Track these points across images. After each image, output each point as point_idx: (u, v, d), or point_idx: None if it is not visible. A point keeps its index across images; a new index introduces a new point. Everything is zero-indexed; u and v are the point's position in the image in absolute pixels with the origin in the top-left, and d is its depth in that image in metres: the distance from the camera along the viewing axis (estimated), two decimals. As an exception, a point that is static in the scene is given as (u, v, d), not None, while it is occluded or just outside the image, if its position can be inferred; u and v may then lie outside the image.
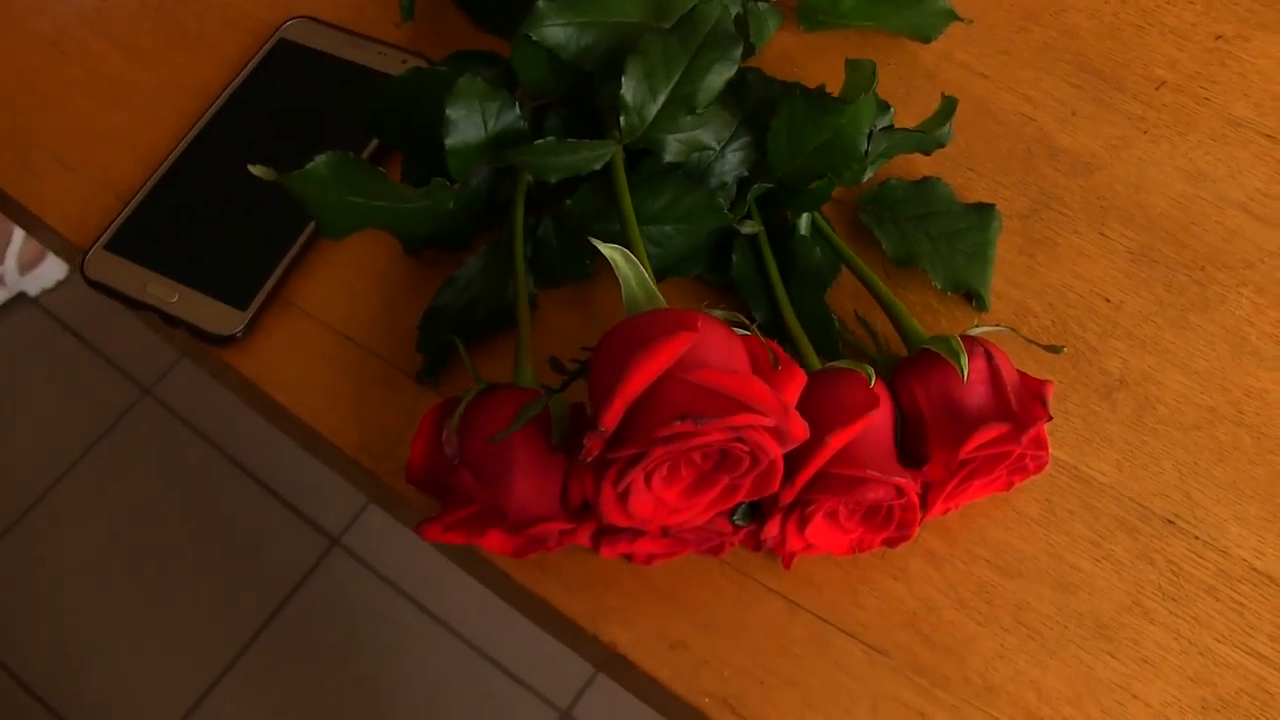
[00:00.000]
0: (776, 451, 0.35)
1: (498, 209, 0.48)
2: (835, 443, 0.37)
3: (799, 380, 0.36)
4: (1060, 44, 0.57)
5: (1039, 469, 0.42)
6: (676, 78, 0.42)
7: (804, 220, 0.46)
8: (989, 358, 0.41)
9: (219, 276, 0.47)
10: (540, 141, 0.42)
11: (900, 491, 0.38)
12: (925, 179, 0.50)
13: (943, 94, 0.46)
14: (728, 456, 0.36)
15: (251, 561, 1.32)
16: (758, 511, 0.40)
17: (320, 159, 0.40)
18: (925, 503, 0.40)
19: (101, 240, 0.49)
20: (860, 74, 0.42)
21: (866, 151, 0.43)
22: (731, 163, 0.46)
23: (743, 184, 0.46)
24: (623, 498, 0.35)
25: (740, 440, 0.34)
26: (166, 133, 0.53)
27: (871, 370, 0.39)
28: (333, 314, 0.48)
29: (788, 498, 0.38)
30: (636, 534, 0.38)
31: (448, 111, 0.42)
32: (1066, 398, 0.46)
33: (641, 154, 0.45)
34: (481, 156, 0.44)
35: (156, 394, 1.43)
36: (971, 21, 0.57)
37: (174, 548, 1.33)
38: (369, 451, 0.45)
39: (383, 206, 0.43)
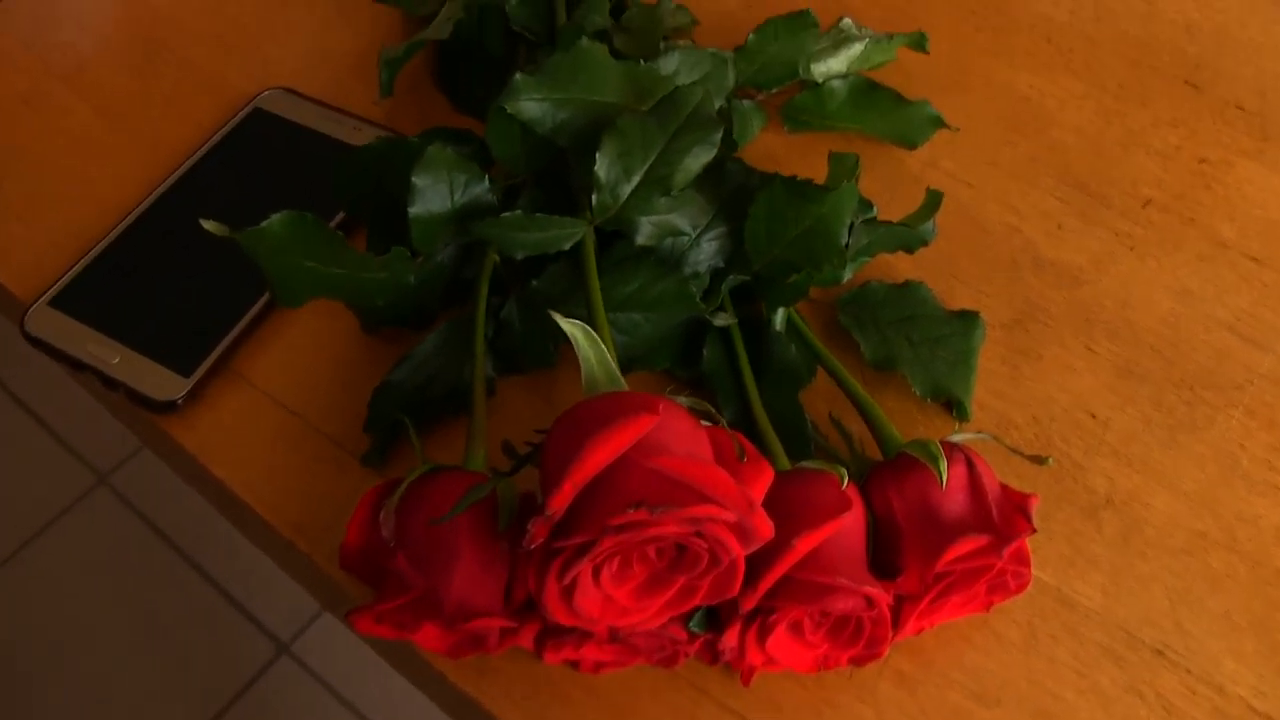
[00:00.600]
0: (738, 551, 0.32)
1: (462, 288, 0.46)
2: (802, 546, 0.34)
3: (766, 476, 0.34)
4: (1046, 158, 0.57)
5: (1020, 589, 0.39)
6: (653, 158, 0.41)
7: (780, 315, 0.44)
8: (970, 465, 0.38)
9: (165, 341, 0.45)
10: (508, 215, 0.40)
11: (871, 603, 0.35)
12: (907, 282, 0.48)
13: (928, 189, 0.45)
14: (685, 553, 0.33)
15: (195, 666, 1.25)
16: (715, 619, 0.37)
17: (277, 217, 0.38)
18: (898, 618, 0.37)
19: (46, 296, 0.46)
20: (843, 166, 0.41)
21: (847, 244, 0.41)
22: (706, 252, 0.44)
23: (717, 275, 0.44)
24: (568, 592, 0.32)
25: (699, 535, 0.31)
26: (131, 193, 0.52)
27: (844, 472, 0.37)
28: (282, 388, 0.46)
29: (749, 604, 0.35)
30: (584, 637, 0.35)
31: (414, 179, 0.41)
32: (1050, 516, 0.43)
33: (613, 236, 0.43)
34: (446, 229, 0.42)
35: (113, 482, 1.39)
36: (958, 129, 0.56)
37: (115, 651, 1.26)
38: (306, 534, 0.41)
39: (340, 274, 0.41)
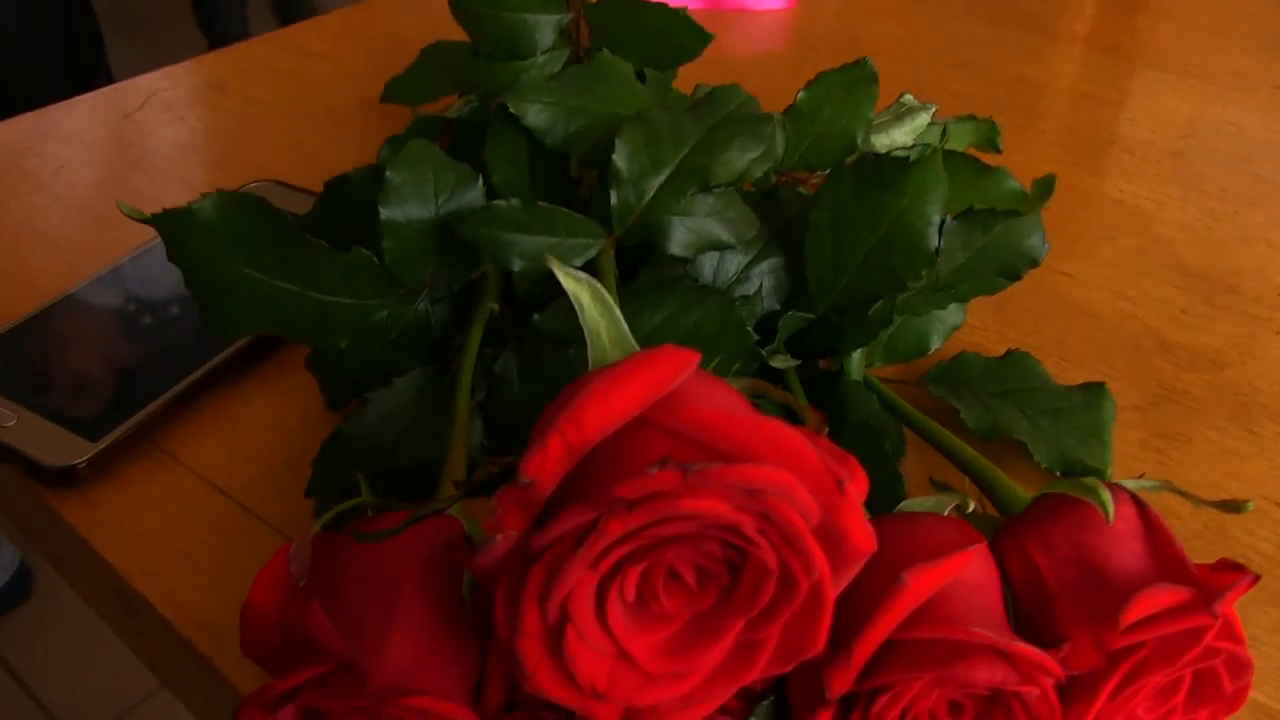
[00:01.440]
0: (822, 565, 0.21)
1: (449, 355, 0.36)
2: (917, 586, 0.23)
3: (859, 477, 0.23)
4: (1152, 250, 0.48)
5: (1237, 702, 0.26)
6: (687, 149, 0.33)
7: (856, 360, 0.34)
8: (1139, 505, 0.27)
9: (75, 406, 0.36)
10: (502, 205, 0.32)
11: (1024, 670, 0.23)
12: (1010, 352, 0.38)
13: (1033, 181, 0.35)
14: (740, 572, 0.21)
15: None
16: (784, 715, 0.24)
17: (211, 197, 0.30)
18: (1068, 709, 0.24)
19: (-57, 363, 0.38)
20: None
21: (938, 249, 0.32)
22: (757, 289, 0.35)
23: (771, 319, 0.35)
24: (556, 637, 0.21)
25: (761, 526, 0.20)
26: (81, 279, 0.44)
27: (967, 500, 0.26)
28: (212, 465, 0.36)
29: (842, 683, 0.23)
30: (584, 731, 0.23)
31: (388, 174, 0.33)
32: (1252, 620, 0.31)
33: (638, 262, 0.35)
34: (429, 245, 0.34)
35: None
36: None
37: None
38: (211, 632, 0.30)
39: (289, 294, 0.32)
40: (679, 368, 0.21)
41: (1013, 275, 0.34)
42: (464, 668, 0.24)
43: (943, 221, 0.32)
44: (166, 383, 0.37)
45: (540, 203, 0.32)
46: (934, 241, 0.32)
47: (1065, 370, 0.41)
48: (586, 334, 0.25)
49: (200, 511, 0.34)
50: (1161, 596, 0.24)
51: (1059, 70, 0.66)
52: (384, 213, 0.33)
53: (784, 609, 0.21)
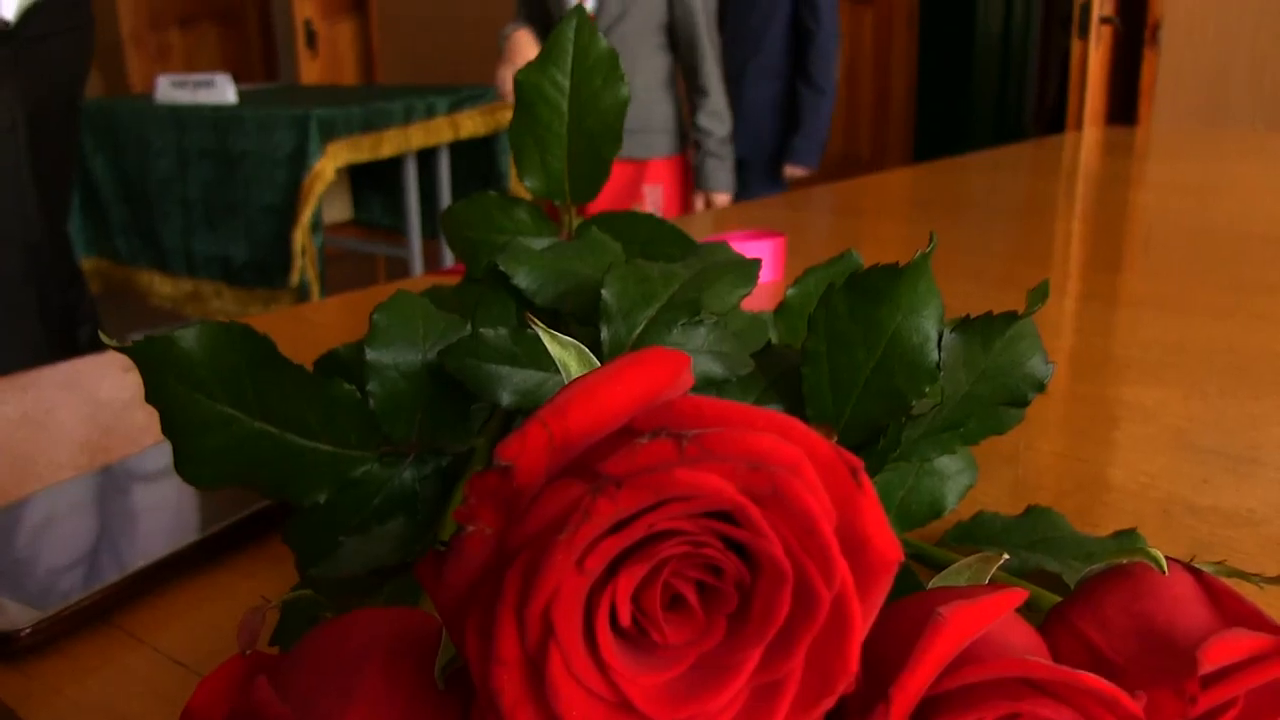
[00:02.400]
0: (843, 568, 0.18)
1: (436, 517, 0.34)
2: (957, 623, 0.20)
3: (870, 495, 0.21)
4: (1164, 436, 0.47)
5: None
6: (677, 285, 0.33)
7: (864, 494, 0.32)
8: (1196, 572, 0.24)
9: (27, 577, 0.33)
10: (490, 333, 0.31)
11: (1098, 708, 0.19)
12: (1031, 508, 0.36)
13: (1029, 291, 0.34)
14: (749, 588, 0.19)
15: None
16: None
17: (194, 326, 0.29)
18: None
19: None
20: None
21: (939, 363, 0.31)
22: (757, 431, 0.34)
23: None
24: (538, 666, 0.18)
25: (772, 505, 0.18)
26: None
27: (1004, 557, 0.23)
28: (171, 641, 0.32)
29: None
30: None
31: (375, 317, 0.32)
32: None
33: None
34: (414, 391, 0.33)
35: None
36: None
37: None
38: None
39: (269, 436, 0.31)
40: (670, 366, 0.20)
41: (1021, 402, 0.33)
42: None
43: (941, 335, 0.31)
44: (130, 561, 0.35)
45: (528, 330, 0.31)
46: (934, 356, 0.31)
47: (1091, 533, 0.38)
48: (574, 397, 0.24)
49: (152, 683, 0.30)
50: (1241, 642, 0.21)
51: (1042, 315, 0.68)
52: (370, 354, 0.32)
53: (804, 631, 0.18)
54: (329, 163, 2.60)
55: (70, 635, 0.32)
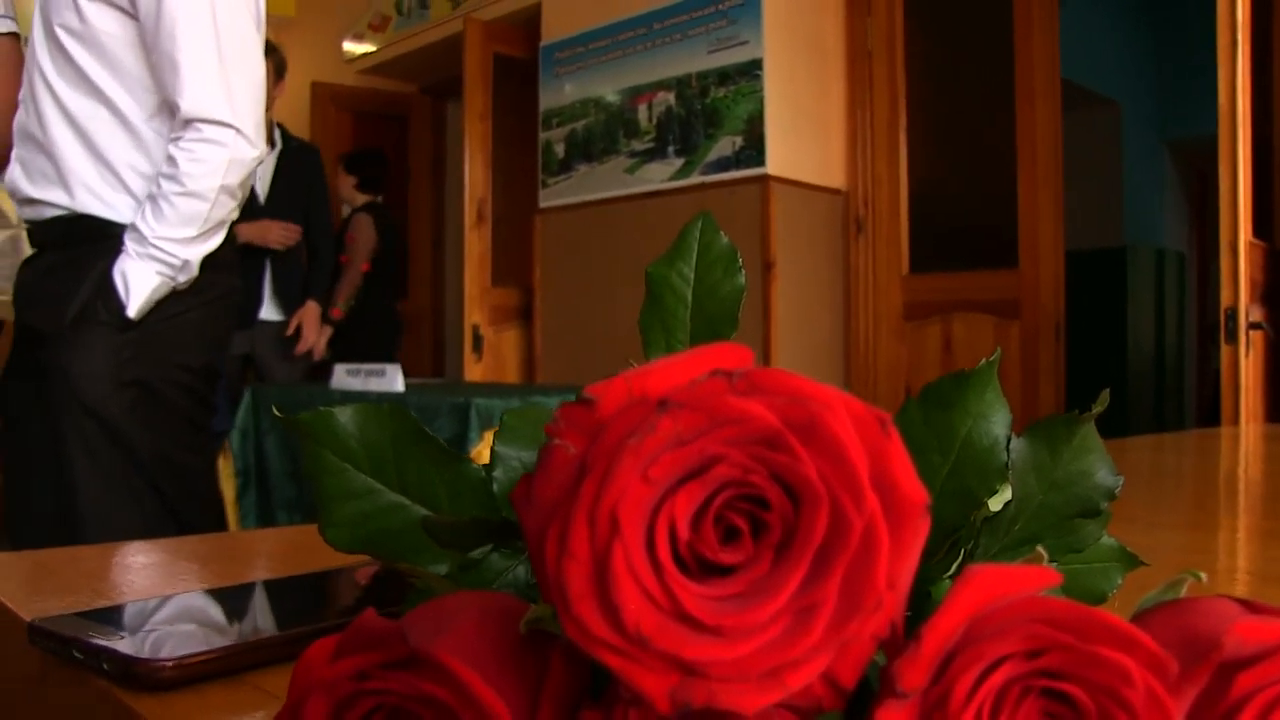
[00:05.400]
0: (871, 500, 0.21)
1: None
2: (984, 577, 0.22)
3: (897, 444, 0.23)
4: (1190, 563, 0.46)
5: None
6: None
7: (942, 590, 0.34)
8: (1247, 603, 0.25)
9: (171, 636, 0.37)
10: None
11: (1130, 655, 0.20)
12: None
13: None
14: (794, 522, 0.21)
15: None
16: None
17: (351, 407, 0.35)
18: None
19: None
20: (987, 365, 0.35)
21: (1008, 462, 0.33)
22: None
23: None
24: (602, 565, 0.21)
25: (809, 435, 0.21)
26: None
27: (1042, 554, 0.25)
28: (296, 699, 0.35)
29: (914, 675, 0.21)
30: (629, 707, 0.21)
31: (504, 417, 0.37)
32: None
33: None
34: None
35: None
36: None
37: None
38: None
39: (400, 506, 0.35)
40: (737, 356, 0.24)
41: (1093, 511, 0.35)
42: (515, 694, 0.23)
43: (1009, 440, 0.34)
44: (275, 629, 0.39)
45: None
46: (1003, 457, 0.34)
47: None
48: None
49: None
50: (1272, 625, 0.22)
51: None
52: (498, 445, 0.37)
53: (838, 556, 0.21)
54: (486, 449, 2.75)
55: (205, 680, 0.35)
